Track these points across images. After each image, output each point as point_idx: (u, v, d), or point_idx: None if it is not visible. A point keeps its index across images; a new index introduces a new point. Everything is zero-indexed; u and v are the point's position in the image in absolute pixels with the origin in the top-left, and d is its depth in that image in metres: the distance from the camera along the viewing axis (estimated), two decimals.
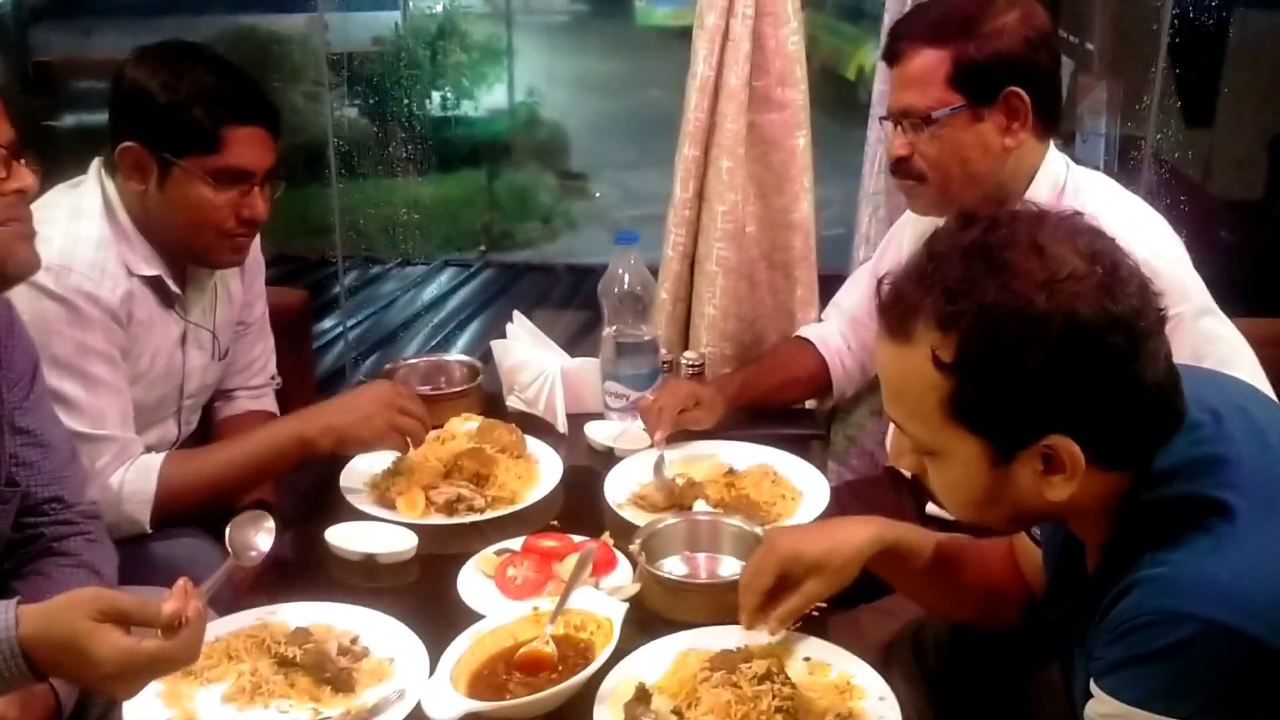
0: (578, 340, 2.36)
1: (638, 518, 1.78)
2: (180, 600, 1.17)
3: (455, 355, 2.33)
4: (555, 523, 1.80)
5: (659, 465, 1.89)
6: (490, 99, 9.47)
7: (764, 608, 1.43)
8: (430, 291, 5.94)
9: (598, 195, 8.55)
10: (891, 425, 1.25)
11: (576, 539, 1.70)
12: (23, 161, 1.39)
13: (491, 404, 2.21)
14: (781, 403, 2.22)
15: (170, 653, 1.16)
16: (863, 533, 1.42)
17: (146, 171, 1.78)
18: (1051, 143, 1.81)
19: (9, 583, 1.49)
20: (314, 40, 8.37)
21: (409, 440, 1.85)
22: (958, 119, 1.73)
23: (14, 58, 8.09)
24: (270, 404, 2.18)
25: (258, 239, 2.02)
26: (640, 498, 1.85)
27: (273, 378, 2.20)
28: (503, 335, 2.28)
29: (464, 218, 8.12)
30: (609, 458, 2.02)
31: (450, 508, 1.83)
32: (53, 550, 1.52)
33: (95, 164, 1.86)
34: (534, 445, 2.03)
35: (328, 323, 4.40)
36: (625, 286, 2.11)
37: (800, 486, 1.89)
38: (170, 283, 1.87)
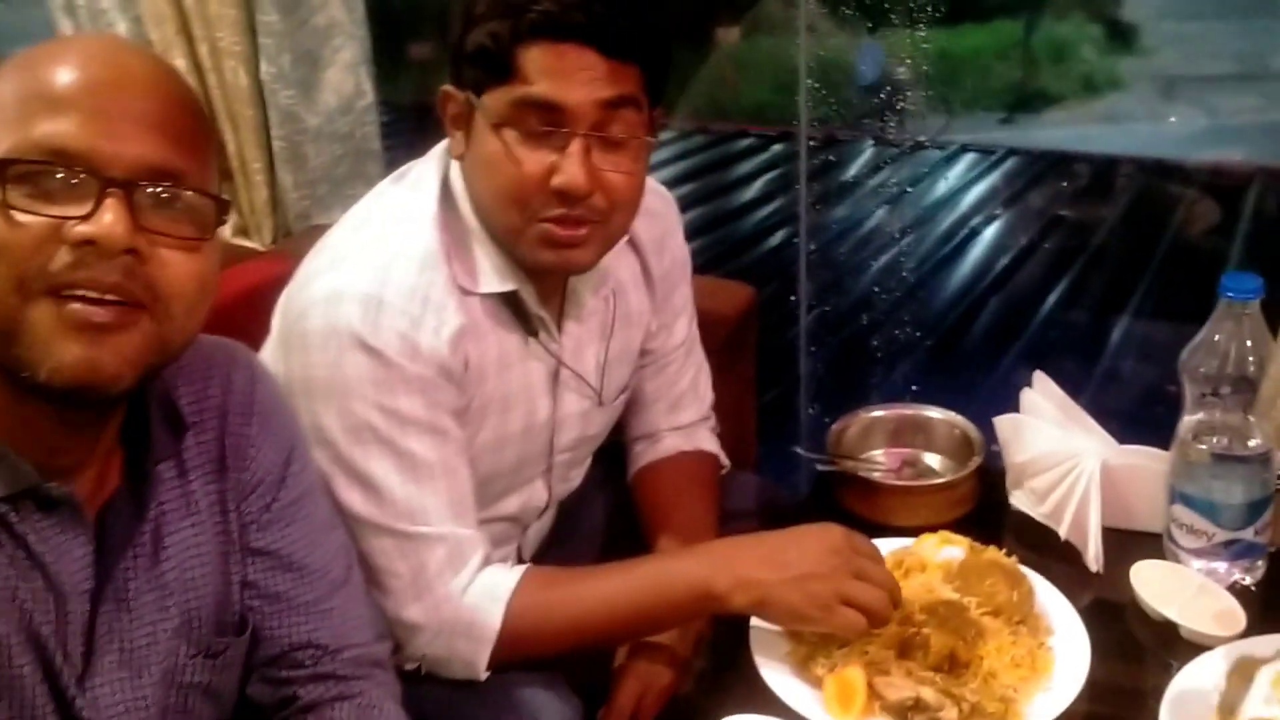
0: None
1: None
2: None
3: (943, 411, 1.61)
4: None
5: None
6: None
7: None
8: (941, 185, 5.11)
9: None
10: None
11: None
12: (124, 200, 0.87)
13: (988, 494, 1.53)
14: None
15: None
16: None
17: (460, 125, 1.28)
18: None
19: None
20: None
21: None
22: None
23: None
24: (707, 442, 1.64)
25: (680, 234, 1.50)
26: None
27: (706, 417, 1.66)
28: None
29: (995, 73, 7.30)
30: (1170, 637, 1.27)
31: (902, 714, 1.19)
32: None
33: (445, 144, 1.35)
34: (1044, 592, 1.32)
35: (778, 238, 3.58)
36: (1228, 363, 1.30)
37: None
38: (530, 302, 1.35)
